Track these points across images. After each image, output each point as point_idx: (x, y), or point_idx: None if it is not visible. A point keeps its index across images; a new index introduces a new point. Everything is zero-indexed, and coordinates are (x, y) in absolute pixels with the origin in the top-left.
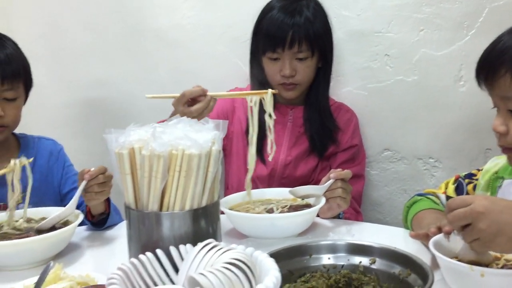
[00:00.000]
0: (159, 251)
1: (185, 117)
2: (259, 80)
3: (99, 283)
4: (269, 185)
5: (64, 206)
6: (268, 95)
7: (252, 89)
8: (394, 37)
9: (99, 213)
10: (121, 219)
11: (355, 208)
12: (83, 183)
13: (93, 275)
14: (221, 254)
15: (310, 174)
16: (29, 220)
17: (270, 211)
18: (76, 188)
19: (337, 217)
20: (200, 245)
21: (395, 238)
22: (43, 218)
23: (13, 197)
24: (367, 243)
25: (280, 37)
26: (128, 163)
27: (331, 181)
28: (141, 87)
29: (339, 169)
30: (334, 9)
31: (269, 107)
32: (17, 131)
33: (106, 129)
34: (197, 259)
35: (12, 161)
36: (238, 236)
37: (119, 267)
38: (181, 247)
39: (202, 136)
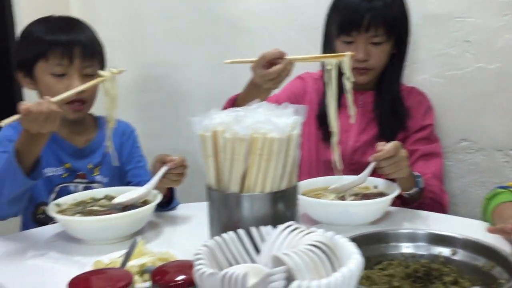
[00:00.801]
0: (240, 231)
1: (265, 102)
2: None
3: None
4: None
5: (124, 182)
6: (346, 58)
7: (323, 74)
8: (475, 22)
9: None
10: (178, 203)
11: (439, 186)
12: (164, 168)
13: (172, 252)
14: (302, 237)
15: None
16: (110, 198)
17: (342, 198)
18: (139, 168)
19: (415, 184)
20: (282, 226)
21: (473, 230)
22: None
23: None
24: (449, 234)
25: (357, 20)
26: (211, 145)
27: (372, 165)
28: (213, 74)
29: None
30: None
31: (347, 70)
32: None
33: (193, 114)
34: (279, 240)
35: (102, 72)
36: (310, 221)
37: (204, 243)
38: (262, 228)
39: (283, 121)
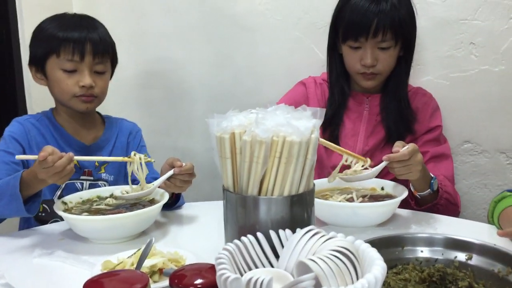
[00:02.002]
0: (260, 235)
1: (282, 104)
2: (337, 70)
3: (187, 261)
4: None
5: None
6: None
7: (328, 77)
8: (480, 25)
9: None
10: (184, 202)
11: (452, 187)
12: (170, 172)
13: (181, 253)
14: (324, 242)
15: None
16: (116, 197)
17: (350, 200)
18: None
19: (430, 187)
20: (302, 231)
21: (478, 232)
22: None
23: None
24: (465, 238)
25: (364, 25)
26: (228, 147)
27: (383, 163)
28: (217, 71)
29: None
30: None
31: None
32: (99, 111)
33: (209, 114)
34: (299, 245)
35: (133, 153)
36: (318, 223)
37: (225, 247)
38: (280, 232)
39: (303, 124)
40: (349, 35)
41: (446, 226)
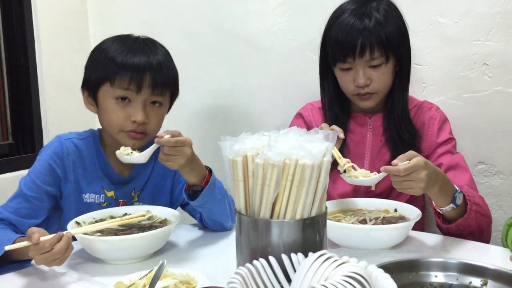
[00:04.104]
0: (272, 259)
1: (295, 127)
2: (331, 93)
3: (199, 283)
4: None
5: (174, 208)
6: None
7: (323, 104)
8: (494, 46)
9: (192, 184)
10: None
11: (480, 196)
12: (153, 146)
13: (193, 274)
14: (336, 267)
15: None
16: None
17: (363, 222)
18: (182, 188)
19: (453, 201)
20: (314, 255)
21: (493, 256)
22: (143, 215)
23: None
24: (480, 264)
25: (350, 44)
26: (241, 170)
27: (381, 174)
28: (231, 91)
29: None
30: (430, 16)
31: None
32: None
33: (221, 136)
34: (312, 270)
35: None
36: (330, 245)
37: (237, 271)
38: (293, 255)
39: (315, 147)
40: (337, 56)
41: (460, 249)
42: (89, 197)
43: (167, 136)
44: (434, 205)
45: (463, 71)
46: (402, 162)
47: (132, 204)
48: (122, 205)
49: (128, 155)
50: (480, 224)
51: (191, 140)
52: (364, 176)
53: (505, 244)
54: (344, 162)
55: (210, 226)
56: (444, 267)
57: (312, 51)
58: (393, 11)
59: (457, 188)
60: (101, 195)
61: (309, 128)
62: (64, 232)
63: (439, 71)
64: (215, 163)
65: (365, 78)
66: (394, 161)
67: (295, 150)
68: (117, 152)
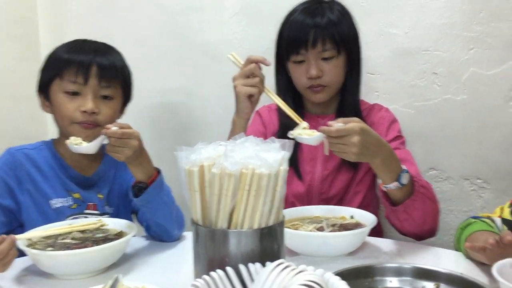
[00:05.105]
0: (229, 269)
1: (251, 136)
2: (285, 88)
3: None
4: (308, 202)
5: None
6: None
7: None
8: (442, 56)
9: (139, 180)
10: (174, 224)
11: (426, 181)
12: (101, 137)
13: (148, 287)
14: (294, 276)
15: (348, 186)
16: (83, 231)
17: (321, 229)
18: None
19: (398, 179)
20: (272, 265)
21: (446, 260)
22: (98, 229)
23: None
24: (433, 268)
25: (302, 36)
26: (198, 180)
27: (321, 134)
28: (188, 100)
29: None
30: (381, 26)
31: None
32: None
33: (177, 146)
34: (269, 279)
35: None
36: (288, 253)
37: (194, 283)
38: (250, 265)
39: (272, 156)
40: (291, 49)
41: (414, 254)
42: (57, 202)
43: (114, 128)
44: (380, 184)
45: (414, 80)
46: (338, 124)
47: (104, 209)
48: (92, 209)
49: (77, 145)
50: (427, 210)
51: (139, 133)
52: (308, 135)
53: (457, 247)
54: (304, 125)
55: (155, 232)
56: (398, 272)
57: (268, 59)
58: (347, 14)
59: (405, 168)
60: (68, 198)
61: (265, 127)
62: (9, 236)
63: (391, 81)
64: (171, 173)
65: (317, 69)
66: (330, 122)
67: (252, 159)
68: (67, 141)
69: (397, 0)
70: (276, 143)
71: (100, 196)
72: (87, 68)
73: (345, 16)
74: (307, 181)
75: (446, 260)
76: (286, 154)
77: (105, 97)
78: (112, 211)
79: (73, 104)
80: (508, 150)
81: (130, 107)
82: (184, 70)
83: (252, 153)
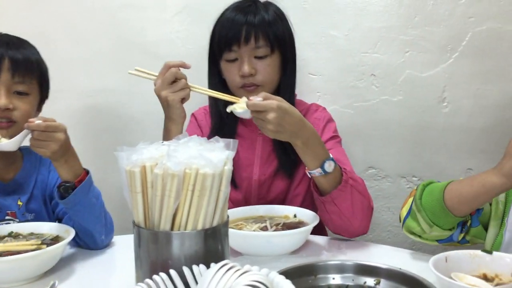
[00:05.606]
0: (172, 272)
1: (195, 136)
2: (218, 88)
3: None
4: None
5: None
6: (242, 99)
7: (210, 104)
8: (380, 58)
9: (65, 179)
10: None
11: (359, 177)
12: (24, 132)
13: None
14: (238, 276)
15: (287, 189)
16: (16, 236)
17: (264, 228)
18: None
19: (321, 166)
20: (216, 266)
21: (386, 256)
22: (31, 234)
23: None
24: (374, 264)
25: (235, 33)
26: (139, 181)
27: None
28: (127, 99)
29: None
30: (322, 28)
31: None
32: None
33: (118, 147)
34: (214, 281)
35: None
36: (232, 253)
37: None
38: (194, 267)
39: (216, 156)
40: (223, 46)
41: (355, 251)
42: None
43: (38, 121)
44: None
45: (353, 81)
46: (257, 98)
47: (24, 217)
48: (11, 216)
49: None
50: (356, 202)
51: (65, 126)
52: (241, 108)
53: (418, 203)
54: (243, 101)
55: (81, 239)
56: (340, 269)
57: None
58: (282, 15)
59: (331, 156)
60: None
61: (202, 130)
62: None
63: (331, 81)
64: (110, 175)
65: (250, 67)
66: (251, 97)
67: (196, 159)
68: None
69: (338, 3)
70: (221, 142)
71: (20, 203)
72: None
73: (280, 16)
74: (244, 187)
75: (386, 256)
76: (230, 154)
77: (20, 93)
78: (33, 218)
79: None
80: (441, 149)
81: (64, 108)
82: (123, 70)
83: (196, 153)
